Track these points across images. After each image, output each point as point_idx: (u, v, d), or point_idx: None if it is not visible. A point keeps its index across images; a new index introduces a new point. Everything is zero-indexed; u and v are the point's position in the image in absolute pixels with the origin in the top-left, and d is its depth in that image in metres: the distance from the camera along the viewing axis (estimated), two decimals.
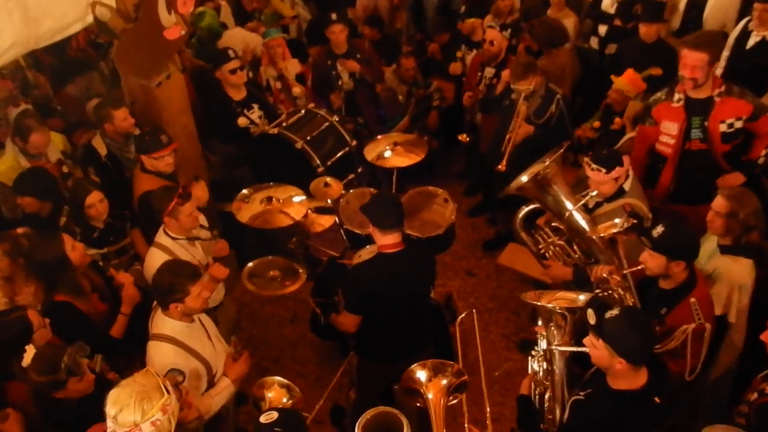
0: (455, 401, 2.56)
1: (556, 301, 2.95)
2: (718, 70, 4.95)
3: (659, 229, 3.04)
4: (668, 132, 4.05)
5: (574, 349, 2.83)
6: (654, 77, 4.91)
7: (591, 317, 2.59)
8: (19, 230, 3.68)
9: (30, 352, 2.82)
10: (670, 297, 3.16)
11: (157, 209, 3.66)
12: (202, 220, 4.02)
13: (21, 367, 2.82)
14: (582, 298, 2.95)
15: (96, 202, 4.02)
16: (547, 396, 2.97)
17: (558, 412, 2.94)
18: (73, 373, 2.77)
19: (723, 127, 3.89)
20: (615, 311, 2.57)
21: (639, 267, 3.17)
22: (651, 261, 3.09)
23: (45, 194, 4.09)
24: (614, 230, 3.28)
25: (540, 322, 3.04)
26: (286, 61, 5.71)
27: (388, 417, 2.01)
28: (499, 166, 4.64)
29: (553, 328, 2.92)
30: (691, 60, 3.76)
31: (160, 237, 3.73)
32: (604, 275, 3.27)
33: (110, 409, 2.42)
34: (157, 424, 2.40)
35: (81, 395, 2.86)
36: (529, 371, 3.07)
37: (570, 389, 2.91)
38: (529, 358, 3.07)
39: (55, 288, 3.45)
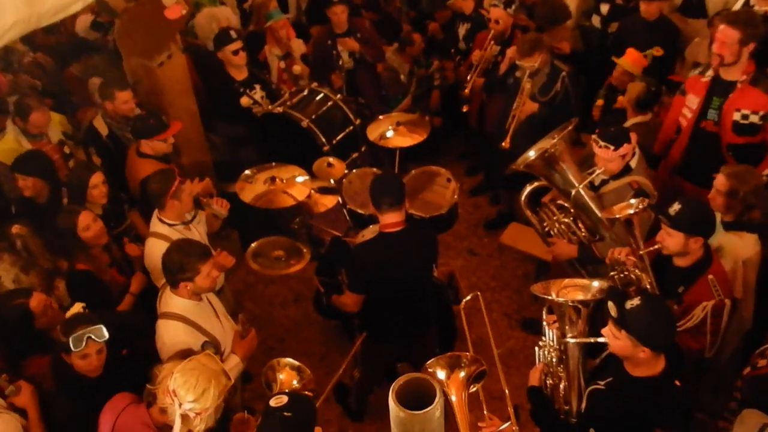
0: (474, 389, 2.53)
1: (567, 290, 2.82)
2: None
3: (676, 207, 3.00)
4: (690, 105, 3.96)
5: (592, 340, 2.74)
6: (655, 57, 4.87)
7: (612, 309, 2.55)
8: (14, 229, 3.62)
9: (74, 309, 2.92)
10: (688, 275, 3.13)
11: (159, 193, 3.64)
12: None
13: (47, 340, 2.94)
14: (596, 284, 2.82)
15: (99, 183, 3.98)
16: (562, 386, 2.89)
17: (575, 401, 2.86)
18: (67, 349, 2.80)
19: (737, 116, 3.75)
20: (636, 301, 2.52)
21: (656, 246, 3.13)
22: (669, 239, 3.05)
23: (43, 175, 4.05)
24: (630, 210, 3.19)
25: (545, 312, 2.95)
26: (291, 41, 5.68)
27: (420, 383, 2.00)
28: (503, 144, 4.63)
29: (566, 318, 2.78)
30: (721, 35, 3.65)
31: (156, 225, 3.69)
32: (621, 257, 3.20)
33: (186, 394, 2.52)
34: (203, 414, 2.53)
35: (87, 374, 2.89)
36: (537, 362, 3.00)
37: (585, 376, 2.85)
38: (536, 348, 3.00)
39: (75, 257, 3.53)
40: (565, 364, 2.85)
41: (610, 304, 2.57)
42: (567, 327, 2.77)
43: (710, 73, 3.86)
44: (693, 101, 3.95)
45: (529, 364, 4.53)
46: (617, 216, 3.25)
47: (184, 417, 2.53)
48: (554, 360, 2.92)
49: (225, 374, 2.63)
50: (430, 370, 2.45)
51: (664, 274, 3.24)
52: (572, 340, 2.76)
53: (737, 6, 4.92)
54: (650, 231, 3.47)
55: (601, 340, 2.65)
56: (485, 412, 2.62)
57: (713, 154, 3.94)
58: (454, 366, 2.46)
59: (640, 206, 3.18)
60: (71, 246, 3.61)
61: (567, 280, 2.90)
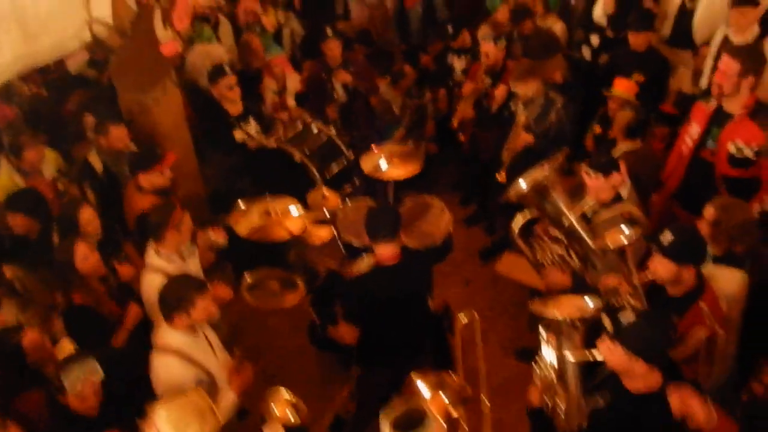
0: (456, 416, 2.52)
1: (563, 308, 2.88)
2: (704, 80, 5.00)
3: (668, 236, 3.01)
4: (691, 133, 3.99)
5: (590, 358, 2.77)
6: (642, 85, 4.95)
7: (607, 324, 2.61)
8: (7, 273, 3.62)
9: (66, 346, 2.90)
10: (680, 303, 3.13)
11: (159, 224, 3.64)
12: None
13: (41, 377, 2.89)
14: (589, 301, 2.91)
15: (91, 218, 4.00)
16: (563, 406, 2.89)
17: (576, 421, 2.87)
18: (62, 390, 2.78)
19: (731, 148, 3.77)
20: (630, 315, 2.61)
21: (649, 275, 3.15)
22: (661, 268, 3.06)
23: (34, 213, 4.06)
24: (623, 240, 3.23)
25: (542, 330, 2.97)
26: (288, 77, 5.76)
27: (412, 411, 1.99)
28: (498, 176, 4.66)
29: (563, 338, 2.86)
30: (723, 65, 3.69)
31: (152, 258, 3.68)
32: (614, 284, 3.23)
33: (169, 431, 2.47)
34: None
35: (84, 412, 2.86)
36: (536, 382, 2.99)
37: (584, 395, 2.88)
38: (533, 365, 3.01)
39: (72, 290, 3.52)
40: (565, 383, 2.86)
41: (605, 319, 2.63)
42: (565, 344, 2.81)
43: (713, 102, 3.87)
44: (695, 129, 3.97)
45: (525, 393, 4.53)
46: (611, 247, 3.27)
47: None
48: (553, 379, 2.92)
49: (213, 412, 2.58)
50: (415, 381, 2.42)
51: (658, 302, 3.24)
52: (572, 358, 2.79)
53: (716, 39, 5.02)
54: (643, 259, 3.49)
55: (599, 357, 2.67)
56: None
57: (710, 184, 3.95)
58: (439, 387, 2.46)
59: (633, 236, 3.19)
60: (69, 279, 3.59)
61: (564, 297, 2.95)
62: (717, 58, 4.83)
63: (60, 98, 5.70)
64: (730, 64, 3.66)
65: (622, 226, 3.41)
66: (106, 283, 3.81)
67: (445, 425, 2.42)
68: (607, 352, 2.62)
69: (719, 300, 3.20)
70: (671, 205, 4.25)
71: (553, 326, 2.85)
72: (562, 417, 2.89)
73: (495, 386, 4.60)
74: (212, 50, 5.88)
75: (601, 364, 2.74)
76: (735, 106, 3.77)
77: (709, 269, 3.39)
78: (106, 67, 5.56)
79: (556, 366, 2.90)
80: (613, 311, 2.68)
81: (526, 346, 4.87)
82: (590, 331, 2.81)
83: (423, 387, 2.42)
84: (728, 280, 3.35)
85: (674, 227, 3.10)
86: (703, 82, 4.92)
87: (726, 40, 4.76)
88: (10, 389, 3.22)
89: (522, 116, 4.73)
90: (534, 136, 4.79)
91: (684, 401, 2.57)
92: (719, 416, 2.61)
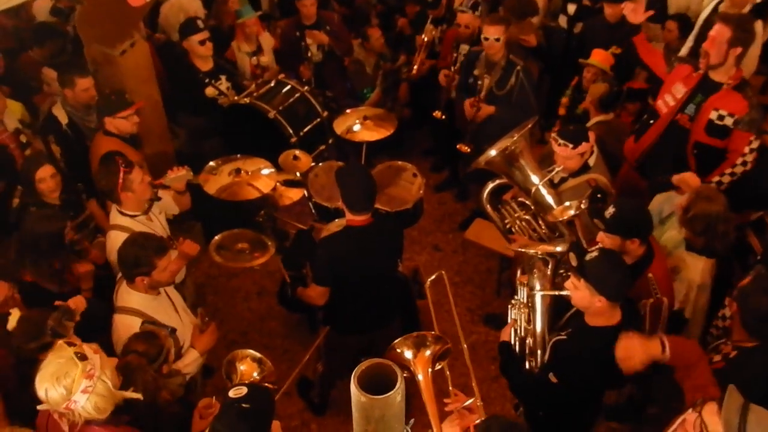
0: (439, 367, 2.58)
1: (537, 248, 3.23)
2: (683, 50, 5.03)
3: (611, 210, 3.11)
4: (675, 93, 3.99)
5: (557, 292, 3.03)
6: (615, 55, 4.97)
7: (573, 259, 2.80)
8: None
9: (14, 315, 2.79)
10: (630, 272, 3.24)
11: (109, 188, 3.53)
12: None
13: (6, 333, 2.79)
14: (559, 249, 3.20)
15: (47, 177, 3.87)
16: (528, 341, 3.17)
17: (539, 353, 3.15)
18: (58, 334, 2.75)
19: (713, 115, 3.79)
20: (595, 253, 2.79)
21: (597, 247, 3.20)
22: (607, 241, 3.16)
23: None
24: (570, 212, 3.39)
25: (519, 272, 3.27)
26: (261, 36, 5.63)
27: (382, 369, 2.00)
28: (461, 147, 4.78)
29: (535, 274, 3.19)
30: (714, 31, 3.69)
31: (116, 218, 3.60)
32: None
33: (39, 393, 2.38)
34: (89, 390, 2.35)
35: None
36: (509, 319, 3.24)
37: (550, 332, 3.14)
38: (509, 306, 3.27)
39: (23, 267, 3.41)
40: (532, 317, 3.17)
41: (572, 255, 2.83)
42: (536, 281, 3.16)
43: (701, 69, 3.87)
44: (680, 90, 3.97)
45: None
46: (559, 219, 3.42)
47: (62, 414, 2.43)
48: (524, 317, 3.20)
49: (74, 360, 2.38)
50: (397, 350, 2.48)
51: None
52: (539, 293, 3.15)
53: (707, 11, 5.03)
54: None
55: (564, 292, 2.88)
56: (450, 388, 2.67)
57: (677, 151, 3.99)
58: (420, 345, 2.52)
59: (581, 207, 3.34)
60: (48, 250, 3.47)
61: (538, 245, 3.35)
62: (701, 29, 4.88)
63: (22, 47, 5.50)
64: (721, 30, 3.66)
65: (587, 194, 3.53)
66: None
67: (431, 382, 2.47)
68: (571, 287, 2.81)
69: (668, 271, 3.34)
70: (632, 174, 4.28)
71: (527, 264, 3.17)
72: (528, 350, 3.17)
73: (462, 350, 4.69)
74: (186, 3, 5.71)
75: (569, 309, 3.00)
76: (722, 76, 3.80)
77: (683, 255, 3.48)
78: (70, 16, 5.36)
79: (527, 303, 3.18)
80: (580, 249, 2.88)
81: (493, 312, 4.95)
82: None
83: (405, 350, 2.46)
84: (695, 269, 3.43)
85: (617, 202, 3.20)
86: (682, 52, 4.94)
87: (716, 11, 4.79)
88: None
89: (486, 80, 4.76)
90: (496, 106, 4.82)
91: (626, 349, 2.71)
92: (677, 343, 2.73)
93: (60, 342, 2.49)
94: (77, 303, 3.12)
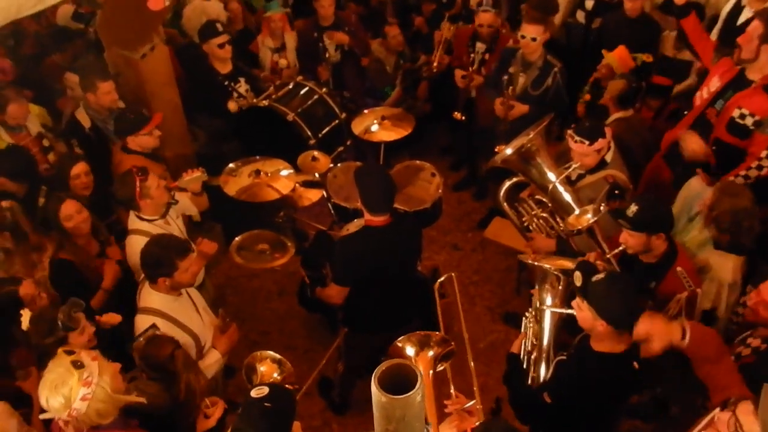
0: (441, 368, 2.58)
1: (552, 263, 3.09)
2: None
3: (633, 209, 3.08)
4: (710, 86, 3.93)
5: (563, 310, 2.96)
6: (645, 62, 4.89)
7: (578, 279, 2.69)
8: (4, 203, 3.67)
9: (26, 315, 2.86)
10: (656, 270, 3.22)
11: (127, 198, 3.60)
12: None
13: (22, 333, 2.86)
14: (571, 263, 3.07)
15: (81, 174, 3.98)
16: (533, 356, 3.10)
17: (543, 371, 3.07)
18: (69, 327, 2.81)
19: (735, 113, 3.70)
20: (601, 275, 2.67)
21: (620, 248, 3.22)
22: (631, 240, 3.14)
23: (18, 176, 4.00)
24: (587, 216, 3.33)
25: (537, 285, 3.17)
26: (287, 35, 5.65)
27: (402, 369, 2.01)
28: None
29: (546, 288, 3.08)
30: (750, 26, 3.63)
31: (134, 223, 3.66)
32: (591, 260, 3.27)
33: (41, 402, 2.42)
34: (88, 398, 2.38)
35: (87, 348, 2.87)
36: (522, 331, 3.18)
37: (559, 351, 3.06)
38: (524, 318, 3.18)
39: (62, 246, 3.53)
40: (540, 333, 3.08)
41: (577, 274, 2.70)
42: (547, 296, 3.06)
43: (738, 66, 3.79)
44: (715, 84, 3.90)
45: None
46: (577, 228, 3.36)
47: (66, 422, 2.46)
48: (532, 332, 3.13)
49: (70, 368, 2.43)
50: (399, 345, 2.48)
51: (635, 270, 3.31)
52: (547, 309, 3.07)
53: (728, 6, 4.94)
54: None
55: (570, 311, 2.79)
56: (452, 390, 2.65)
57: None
58: (424, 345, 2.52)
59: (599, 212, 3.30)
60: (58, 234, 3.61)
61: (554, 258, 3.19)
62: (725, 23, 4.78)
63: (44, 52, 5.58)
64: (755, 26, 3.59)
65: (585, 208, 3.47)
66: (98, 239, 3.80)
67: (431, 382, 2.47)
68: (577, 308, 2.72)
69: (693, 263, 3.29)
70: (659, 163, 4.21)
71: (540, 278, 3.06)
72: (533, 365, 3.09)
73: (481, 349, 4.69)
74: (208, 6, 5.74)
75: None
76: (756, 74, 3.71)
77: (711, 255, 3.42)
78: (91, 21, 5.43)
79: (535, 316, 3.11)
80: (588, 269, 2.76)
81: (512, 310, 4.93)
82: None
83: (408, 347, 2.46)
84: (725, 269, 3.37)
85: (638, 199, 3.16)
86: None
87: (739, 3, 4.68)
88: (5, 340, 3.24)
89: (521, 79, 4.67)
90: (530, 106, 4.74)
91: (647, 327, 2.68)
92: (699, 332, 2.69)
93: (60, 350, 2.53)
94: (112, 318, 3.25)
